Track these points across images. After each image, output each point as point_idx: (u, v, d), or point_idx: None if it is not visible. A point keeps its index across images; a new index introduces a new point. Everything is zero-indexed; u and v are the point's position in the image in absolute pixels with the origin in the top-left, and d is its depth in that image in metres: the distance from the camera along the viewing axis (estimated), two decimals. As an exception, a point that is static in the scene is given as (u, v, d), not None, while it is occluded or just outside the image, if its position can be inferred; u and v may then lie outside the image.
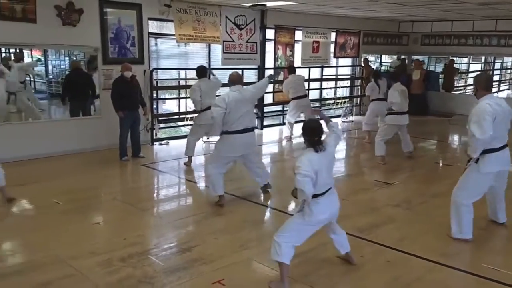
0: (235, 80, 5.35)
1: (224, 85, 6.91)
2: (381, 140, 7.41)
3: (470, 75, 16.77)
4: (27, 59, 9.43)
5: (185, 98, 9.86)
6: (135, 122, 7.35)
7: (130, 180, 6.85)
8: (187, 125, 9.29)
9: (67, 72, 10.63)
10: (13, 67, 8.43)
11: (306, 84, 10.16)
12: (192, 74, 9.87)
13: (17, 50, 8.78)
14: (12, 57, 8.76)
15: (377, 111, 8.68)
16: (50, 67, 12.57)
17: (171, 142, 8.80)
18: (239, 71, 9.73)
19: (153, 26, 8.59)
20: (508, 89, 16.11)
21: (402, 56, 14.58)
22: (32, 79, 12.82)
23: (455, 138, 9.90)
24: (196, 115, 7.25)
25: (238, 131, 5.22)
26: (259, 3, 6.96)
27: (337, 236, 3.86)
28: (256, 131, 10.30)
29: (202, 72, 7.11)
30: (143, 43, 8.16)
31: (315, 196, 3.42)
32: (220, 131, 5.25)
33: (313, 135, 3.45)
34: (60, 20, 7.12)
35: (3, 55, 12.66)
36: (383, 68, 15.67)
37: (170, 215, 5.27)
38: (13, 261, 3.93)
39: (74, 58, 9.37)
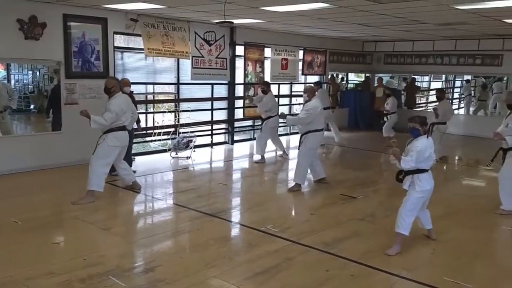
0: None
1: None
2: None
3: (431, 92, 17.40)
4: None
5: (153, 113, 9.78)
6: (130, 136, 7.28)
7: (95, 198, 6.65)
8: (155, 140, 9.18)
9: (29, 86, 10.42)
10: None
11: (276, 100, 10.32)
12: (161, 88, 9.86)
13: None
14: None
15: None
16: (12, 82, 12.22)
17: (138, 158, 8.64)
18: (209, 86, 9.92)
19: (120, 40, 8.51)
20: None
21: (367, 75, 14.98)
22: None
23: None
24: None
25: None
26: (226, 20, 7.01)
27: (424, 213, 4.74)
28: (227, 146, 10.44)
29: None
30: (108, 57, 8.05)
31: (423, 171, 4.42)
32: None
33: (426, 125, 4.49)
34: (22, 34, 6.96)
35: None
36: (349, 85, 16.06)
37: (134, 234, 5.15)
38: (-35, 284, 3.72)
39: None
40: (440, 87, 16.79)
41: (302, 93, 12.66)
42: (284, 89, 12.14)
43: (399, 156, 4.39)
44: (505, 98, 6.23)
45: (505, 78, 13.27)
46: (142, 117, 9.69)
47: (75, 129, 7.33)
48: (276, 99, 10.26)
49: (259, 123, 11.33)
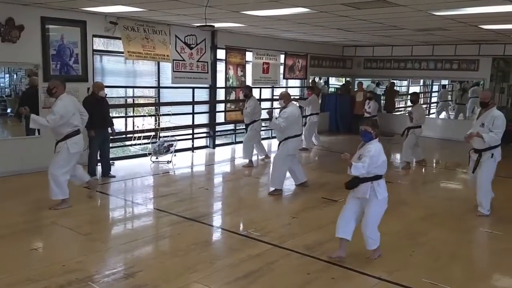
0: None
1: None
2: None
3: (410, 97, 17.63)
4: None
5: (133, 116, 9.68)
6: (105, 141, 7.29)
7: (71, 203, 6.54)
8: (135, 144, 9.09)
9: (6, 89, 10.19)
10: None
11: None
12: (141, 92, 9.77)
13: None
14: None
15: None
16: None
17: (118, 162, 8.53)
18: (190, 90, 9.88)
19: (99, 43, 8.41)
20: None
21: (347, 79, 15.15)
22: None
23: (397, 157, 10.35)
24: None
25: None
26: (207, 24, 7.00)
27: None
28: (208, 150, 10.40)
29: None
30: (87, 60, 7.95)
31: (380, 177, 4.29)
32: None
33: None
34: (-2, 36, 6.85)
35: None
36: (330, 89, 16.22)
37: (114, 239, 5.09)
38: None
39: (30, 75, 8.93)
40: (416, 91, 17.05)
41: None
42: (266, 93, 12.18)
43: (349, 162, 4.18)
44: (481, 96, 6.23)
45: (481, 83, 13.59)
46: (121, 121, 9.62)
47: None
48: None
49: (241, 127, 11.37)
